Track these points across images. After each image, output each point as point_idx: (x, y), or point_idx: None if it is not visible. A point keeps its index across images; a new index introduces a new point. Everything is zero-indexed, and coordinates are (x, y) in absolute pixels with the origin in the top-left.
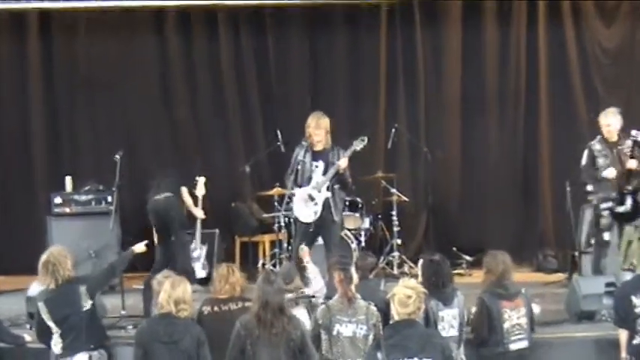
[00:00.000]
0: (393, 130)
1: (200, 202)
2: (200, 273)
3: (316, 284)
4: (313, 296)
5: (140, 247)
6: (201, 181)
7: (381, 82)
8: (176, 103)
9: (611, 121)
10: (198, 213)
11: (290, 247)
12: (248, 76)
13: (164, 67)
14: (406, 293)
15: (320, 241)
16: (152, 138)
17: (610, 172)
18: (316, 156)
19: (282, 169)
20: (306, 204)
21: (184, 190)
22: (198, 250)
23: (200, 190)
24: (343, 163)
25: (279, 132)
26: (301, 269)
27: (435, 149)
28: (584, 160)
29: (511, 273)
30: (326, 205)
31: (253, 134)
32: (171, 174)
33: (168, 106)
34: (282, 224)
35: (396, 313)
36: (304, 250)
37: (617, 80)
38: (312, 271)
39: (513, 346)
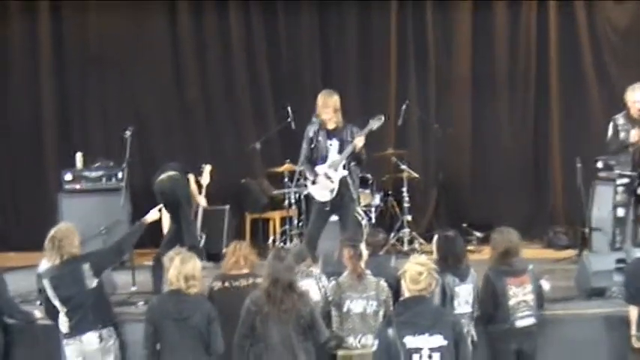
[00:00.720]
0: (404, 106)
1: (204, 190)
2: None
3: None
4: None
5: (153, 216)
6: (206, 169)
7: (392, 61)
8: (187, 81)
9: (639, 97)
10: (201, 201)
11: (301, 224)
12: (258, 55)
13: (175, 46)
14: (417, 270)
15: (333, 217)
16: (162, 116)
17: (634, 135)
18: (330, 134)
19: (292, 145)
20: (322, 182)
21: (191, 177)
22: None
23: (205, 179)
24: (360, 142)
25: (289, 108)
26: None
27: (446, 126)
28: (609, 132)
29: (518, 250)
30: (344, 182)
31: (264, 112)
32: (175, 165)
33: (178, 85)
34: (293, 201)
35: (407, 289)
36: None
37: (628, 58)
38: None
39: (519, 323)
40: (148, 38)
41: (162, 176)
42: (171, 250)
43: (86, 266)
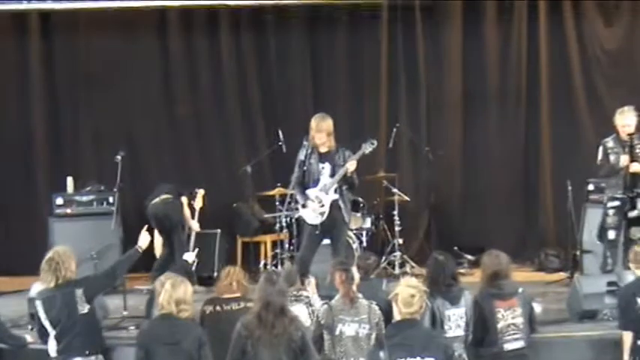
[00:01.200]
0: (395, 129)
1: (197, 215)
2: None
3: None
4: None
5: (145, 240)
6: (200, 193)
7: (383, 80)
8: (177, 102)
9: (628, 121)
10: (194, 225)
11: (292, 247)
12: (249, 75)
13: (165, 66)
14: (410, 292)
15: (325, 241)
16: (153, 137)
17: (624, 160)
18: (322, 158)
19: (283, 169)
20: (313, 206)
21: (184, 200)
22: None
23: (198, 203)
24: (351, 166)
25: (280, 132)
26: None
27: (437, 148)
28: (599, 156)
29: (507, 273)
30: (336, 206)
31: (254, 134)
32: (169, 187)
33: (169, 106)
34: (284, 224)
35: (399, 312)
36: (312, 282)
37: (617, 79)
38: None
39: (508, 346)
40: (139, 58)
41: (156, 200)
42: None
43: (79, 291)
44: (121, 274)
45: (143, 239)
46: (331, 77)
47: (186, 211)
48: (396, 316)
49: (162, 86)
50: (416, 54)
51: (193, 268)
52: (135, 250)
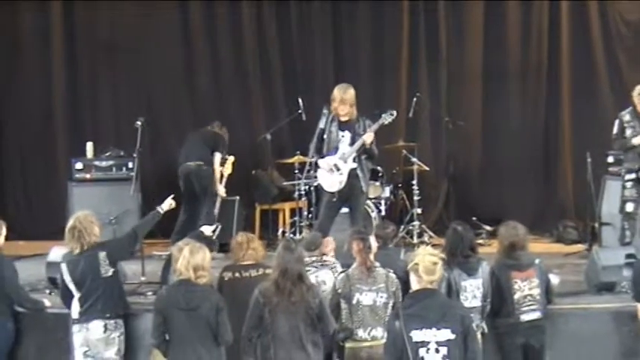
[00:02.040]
0: (415, 98)
1: (224, 180)
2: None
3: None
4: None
5: (167, 205)
6: (230, 160)
7: (404, 53)
8: (198, 70)
9: None
10: (221, 190)
11: (311, 215)
12: (270, 45)
13: (186, 33)
14: (432, 260)
15: (344, 209)
16: (173, 105)
17: (637, 140)
18: (342, 126)
19: (303, 137)
20: (331, 173)
21: (216, 160)
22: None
23: (227, 169)
24: (368, 138)
25: (300, 100)
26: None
27: (456, 119)
28: (615, 130)
29: (524, 244)
30: (354, 175)
31: (274, 102)
32: (203, 150)
33: (189, 73)
34: (303, 192)
35: (418, 281)
36: (329, 240)
37: (639, 53)
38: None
39: (525, 317)
40: (160, 27)
41: (190, 163)
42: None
43: (102, 254)
44: (141, 236)
45: (166, 203)
46: (352, 47)
47: (216, 173)
48: (415, 286)
49: (183, 54)
50: (437, 26)
51: (216, 234)
52: (156, 212)
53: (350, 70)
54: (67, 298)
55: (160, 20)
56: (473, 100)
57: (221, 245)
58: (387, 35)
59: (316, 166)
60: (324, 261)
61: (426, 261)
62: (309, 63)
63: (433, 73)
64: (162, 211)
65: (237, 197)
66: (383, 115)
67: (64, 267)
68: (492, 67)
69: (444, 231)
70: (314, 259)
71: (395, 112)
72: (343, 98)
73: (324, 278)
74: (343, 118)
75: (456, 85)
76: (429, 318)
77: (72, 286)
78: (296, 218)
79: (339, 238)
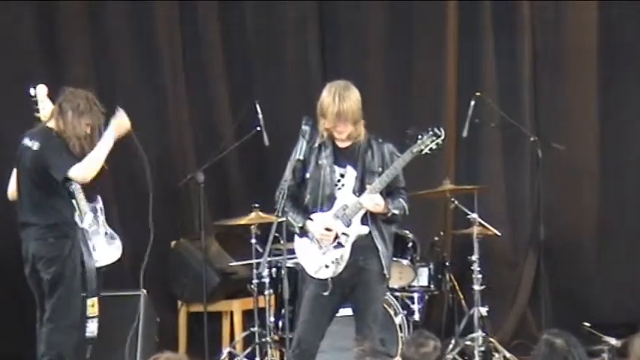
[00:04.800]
0: (472, 102)
1: None
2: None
3: None
4: None
5: None
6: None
7: (449, 26)
8: None
9: None
10: None
11: (282, 323)
12: None
13: None
14: None
15: (344, 311)
16: None
17: None
18: (342, 156)
19: (264, 178)
20: (322, 247)
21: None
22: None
23: None
24: (369, 207)
25: (257, 106)
26: None
27: (552, 140)
28: None
29: None
30: (365, 247)
31: (214, 110)
32: None
33: None
34: (266, 280)
35: None
36: None
37: None
38: None
39: None
40: None
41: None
42: None
43: None
44: None
45: None
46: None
47: None
48: None
49: None
50: None
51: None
52: None
53: (348, 54)
54: None
55: None
56: (584, 108)
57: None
58: None
59: (291, 232)
60: None
61: None
62: (280, 34)
63: (505, 56)
64: None
65: (143, 291)
66: (420, 138)
67: None
68: (611, 45)
69: (531, 348)
70: None
71: (442, 132)
72: (342, 110)
73: None
74: (342, 144)
75: (549, 76)
76: None
77: None
78: (254, 329)
79: None
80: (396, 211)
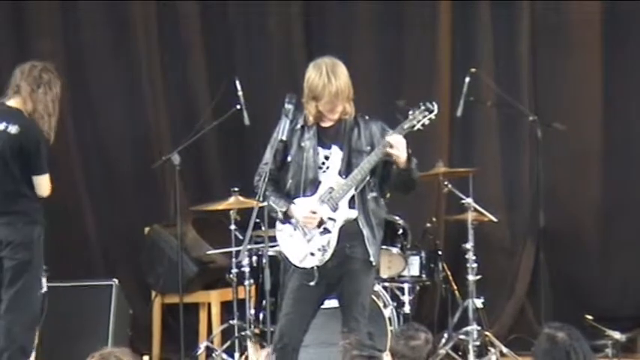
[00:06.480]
0: (467, 79)
1: None
2: None
3: None
4: None
5: None
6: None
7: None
8: None
9: None
10: None
11: (263, 315)
12: None
13: None
14: None
15: (329, 302)
16: None
17: None
18: (327, 137)
19: (244, 160)
20: (305, 233)
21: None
22: None
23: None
24: (397, 148)
25: (237, 82)
26: None
27: (552, 120)
28: None
29: None
30: (352, 233)
31: (190, 89)
32: None
33: None
34: (246, 269)
35: None
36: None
37: None
38: None
39: None
40: None
41: None
42: None
43: None
44: None
45: None
46: None
47: None
48: None
49: None
50: None
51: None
52: None
53: (336, 28)
54: None
55: None
56: (585, 85)
57: None
58: None
59: (273, 217)
60: None
61: None
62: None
63: (503, 31)
64: None
65: (115, 281)
66: (412, 113)
67: None
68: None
69: (530, 343)
70: None
71: (435, 107)
72: (339, 89)
73: None
74: (326, 123)
75: (549, 53)
76: None
77: None
78: (234, 321)
79: (318, 356)
80: (415, 169)
